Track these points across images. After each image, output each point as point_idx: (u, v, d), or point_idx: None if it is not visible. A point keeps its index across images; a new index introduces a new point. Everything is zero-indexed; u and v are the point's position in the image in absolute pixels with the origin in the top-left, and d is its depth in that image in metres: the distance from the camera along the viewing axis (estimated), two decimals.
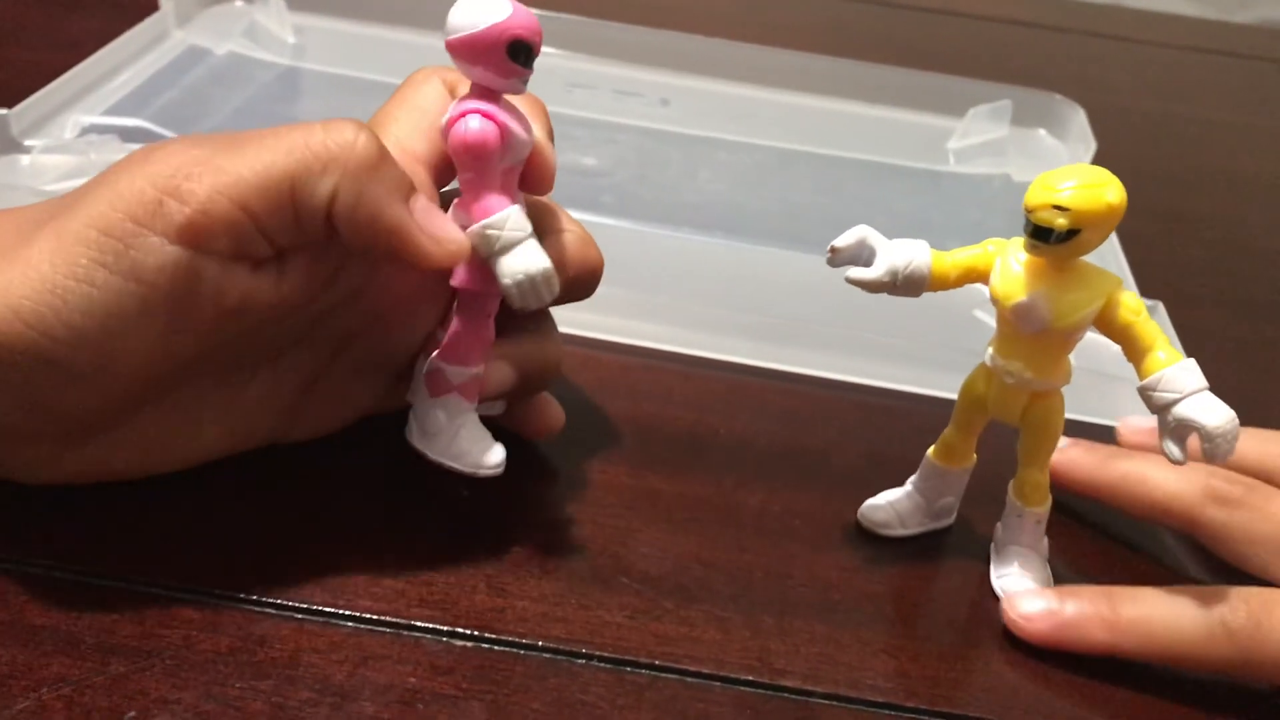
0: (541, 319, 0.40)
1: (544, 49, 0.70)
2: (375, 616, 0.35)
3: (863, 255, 0.36)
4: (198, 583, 0.35)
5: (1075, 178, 0.33)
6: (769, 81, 0.71)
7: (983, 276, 0.36)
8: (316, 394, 0.38)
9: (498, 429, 0.38)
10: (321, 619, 0.35)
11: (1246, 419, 0.43)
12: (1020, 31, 0.89)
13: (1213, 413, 0.34)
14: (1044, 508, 0.38)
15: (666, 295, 0.50)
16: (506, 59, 0.33)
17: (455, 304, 0.37)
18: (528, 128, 0.35)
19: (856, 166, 0.65)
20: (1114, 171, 0.34)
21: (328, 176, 0.33)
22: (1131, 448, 0.43)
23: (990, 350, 0.37)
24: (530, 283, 0.34)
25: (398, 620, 0.35)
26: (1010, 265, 0.35)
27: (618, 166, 0.62)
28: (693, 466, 0.43)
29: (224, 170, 0.32)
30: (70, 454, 0.35)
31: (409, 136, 0.37)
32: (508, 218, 0.34)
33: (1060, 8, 0.95)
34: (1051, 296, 0.34)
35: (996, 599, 0.39)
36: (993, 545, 0.40)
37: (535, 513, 0.40)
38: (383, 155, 0.33)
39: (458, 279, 0.36)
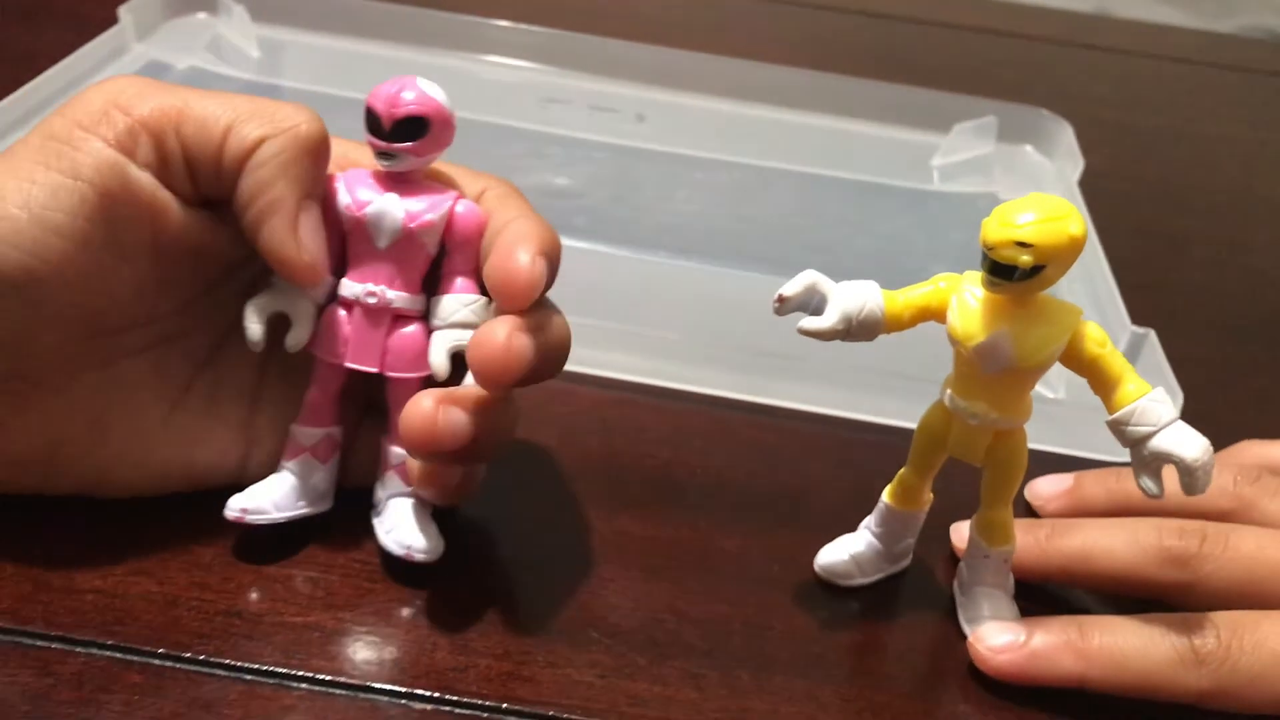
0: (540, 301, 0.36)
1: (518, 63, 0.70)
2: (330, 678, 0.33)
3: (812, 302, 0.35)
4: (140, 643, 0.33)
5: (1034, 210, 0.31)
6: (748, 96, 0.69)
7: (937, 315, 0.34)
8: (262, 413, 0.38)
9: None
10: (274, 681, 0.33)
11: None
12: (1004, 43, 0.87)
13: (1190, 445, 0.32)
14: (1009, 547, 0.37)
15: (641, 324, 0.48)
16: (367, 132, 0.35)
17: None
18: (414, 207, 0.35)
19: (838, 185, 0.63)
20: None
21: (265, 126, 0.34)
22: (1053, 515, 0.42)
23: (949, 391, 0.35)
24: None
25: (352, 681, 0.33)
26: (967, 302, 0.33)
27: (591, 186, 0.60)
28: (667, 507, 0.41)
29: (174, 99, 0.34)
30: (19, 422, 0.34)
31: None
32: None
33: (1044, 18, 0.94)
34: (1015, 335, 0.33)
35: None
36: (956, 585, 0.39)
37: (500, 561, 0.38)
38: (319, 149, 0.35)
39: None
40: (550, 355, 0.34)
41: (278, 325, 0.36)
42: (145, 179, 0.33)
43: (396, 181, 0.36)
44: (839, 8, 0.88)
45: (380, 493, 0.37)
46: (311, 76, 0.65)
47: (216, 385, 0.37)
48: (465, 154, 0.38)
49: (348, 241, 0.36)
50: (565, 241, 0.52)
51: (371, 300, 0.36)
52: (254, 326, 0.35)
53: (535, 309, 0.34)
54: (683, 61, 0.69)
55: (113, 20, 0.63)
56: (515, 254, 0.34)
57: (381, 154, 0.35)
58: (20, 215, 0.31)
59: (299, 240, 0.34)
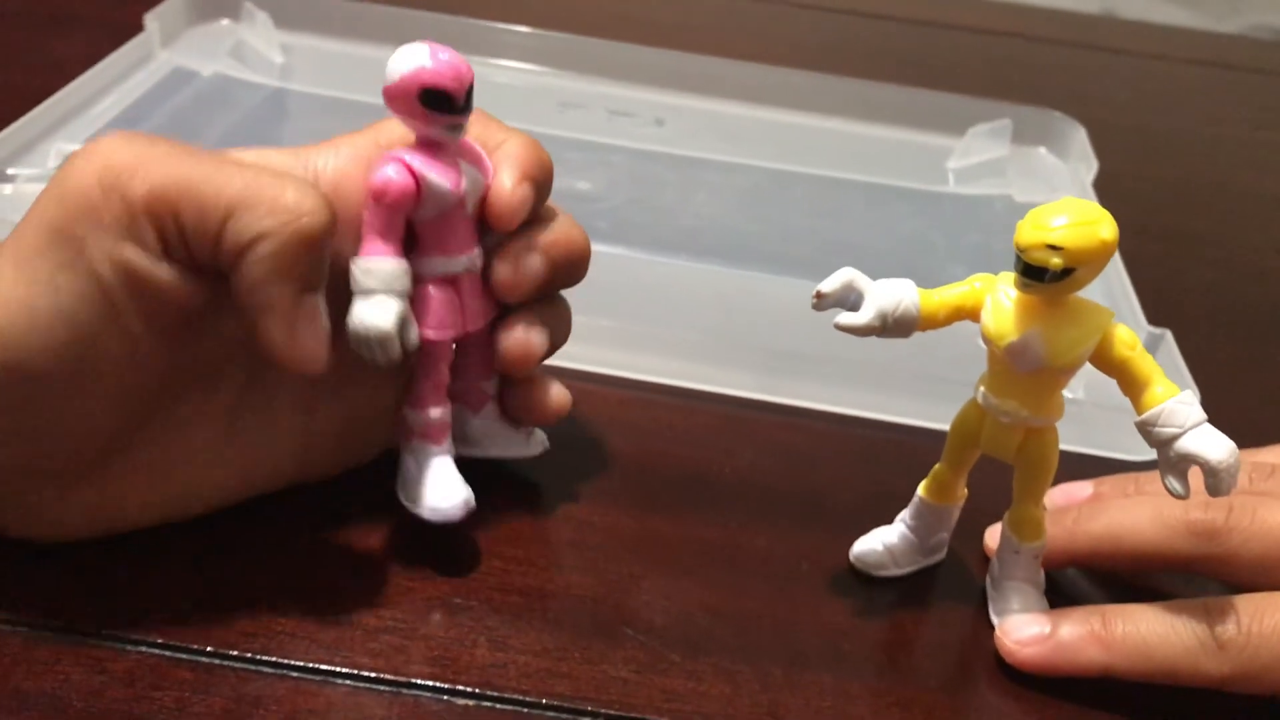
0: (553, 210, 0.39)
1: (535, 67, 0.71)
2: (373, 674, 0.34)
3: (849, 299, 0.35)
4: (190, 642, 0.34)
5: (1067, 214, 0.32)
6: (765, 100, 0.70)
7: (972, 314, 0.35)
8: (318, 416, 0.38)
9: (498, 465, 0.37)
10: (318, 678, 0.34)
11: (1254, 444, 0.43)
12: (1016, 45, 0.88)
13: (1216, 446, 0.33)
14: (1040, 542, 0.38)
15: (664, 326, 0.49)
16: (422, 107, 0.34)
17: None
18: (476, 174, 0.36)
19: (856, 188, 0.64)
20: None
21: (267, 219, 0.32)
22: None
23: (982, 389, 0.36)
24: (365, 338, 0.34)
25: (396, 678, 0.34)
26: (1001, 302, 0.34)
27: (611, 190, 0.61)
28: (696, 507, 0.42)
29: (168, 174, 0.32)
30: (73, 497, 0.34)
31: (361, 147, 0.37)
32: (376, 267, 0.34)
33: (1054, 20, 0.95)
34: (1046, 335, 0.34)
35: None
36: (989, 580, 0.39)
37: (535, 560, 0.39)
38: (322, 239, 0.33)
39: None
40: (559, 259, 0.38)
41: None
42: (156, 264, 0.32)
43: (443, 150, 0.35)
44: (854, 12, 0.89)
45: (410, 461, 0.37)
46: (333, 82, 0.66)
47: (269, 398, 0.37)
48: None
49: (435, 220, 0.35)
50: None
51: (476, 266, 0.37)
52: (395, 348, 0.34)
53: (534, 227, 0.38)
54: (700, 66, 0.70)
55: (138, 27, 0.64)
56: (500, 181, 0.36)
57: (453, 127, 0.35)
58: (59, 331, 0.31)
59: (295, 340, 0.33)
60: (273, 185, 0.32)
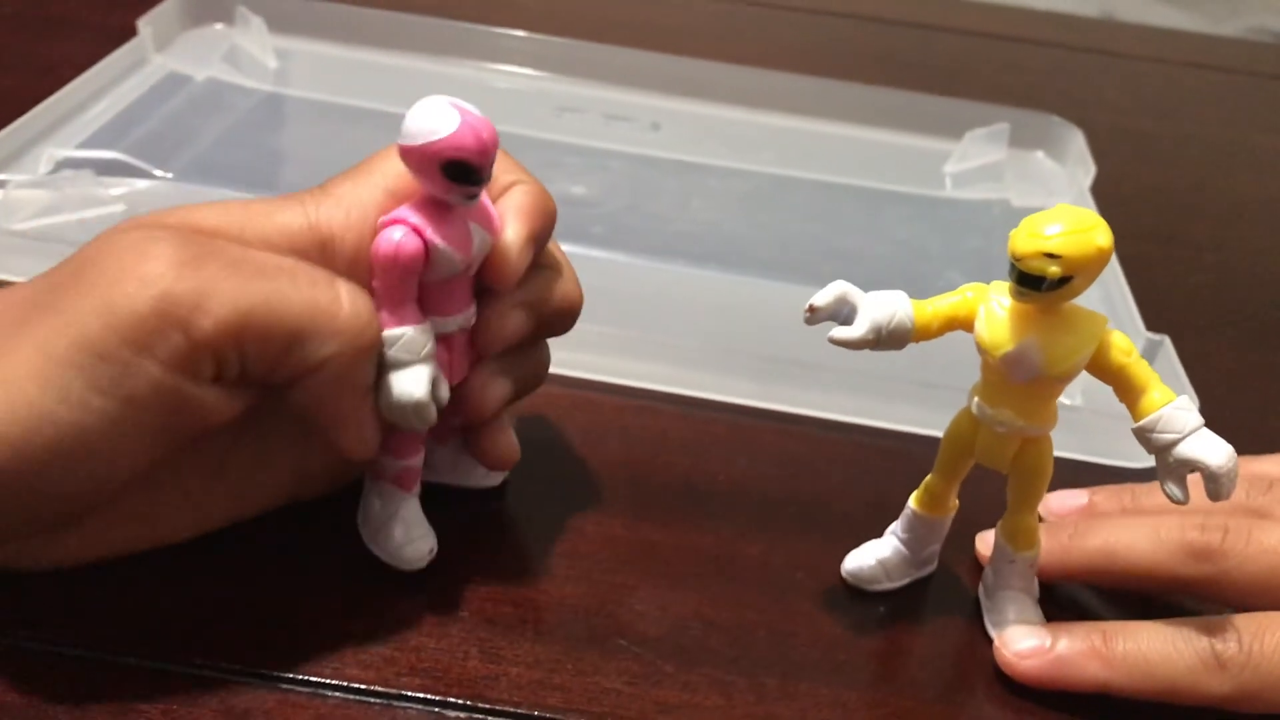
0: (552, 257, 0.38)
1: (532, 72, 0.70)
2: (364, 686, 0.34)
3: (842, 312, 0.35)
4: (176, 653, 0.34)
5: (1062, 222, 0.32)
6: (762, 104, 0.69)
7: (965, 324, 0.35)
8: (313, 447, 0.37)
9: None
10: (308, 689, 0.34)
11: (1253, 451, 0.43)
12: (1014, 48, 0.88)
13: (1216, 451, 0.33)
14: (1035, 552, 0.37)
15: (660, 332, 0.49)
16: (442, 177, 0.32)
17: None
18: (484, 235, 0.34)
19: (852, 193, 0.64)
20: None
21: (331, 343, 0.32)
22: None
23: (976, 399, 0.36)
24: (400, 409, 0.34)
25: (387, 690, 0.34)
26: (995, 312, 0.34)
27: (608, 195, 0.60)
28: (691, 516, 0.42)
29: (234, 306, 0.30)
30: (62, 541, 0.34)
31: (369, 202, 0.34)
32: (399, 338, 0.33)
33: (1053, 23, 0.94)
34: (1042, 344, 0.33)
35: None
36: (982, 590, 0.39)
37: (528, 570, 0.39)
38: (375, 341, 0.33)
39: None
40: (548, 317, 0.37)
41: None
42: (204, 390, 0.31)
43: (452, 211, 0.33)
44: (851, 15, 0.88)
45: (376, 502, 0.37)
46: (327, 87, 0.66)
47: (262, 439, 0.36)
48: None
49: (437, 283, 0.34)
50: (582, 250, 0.54)
51: (470, 324, 0.35)
52: (432, 414, 0.34)
53: (530, 281, 0.36)
54: (696, 70, 0.69)
55: (132, 32, 0.64)
56: (505, 243, 0.35)
57: (470, 196, 0.33)
58: (79, 451, 0.30)
59: (361, 437, 0.34)
60: (329, 301, 0.32)
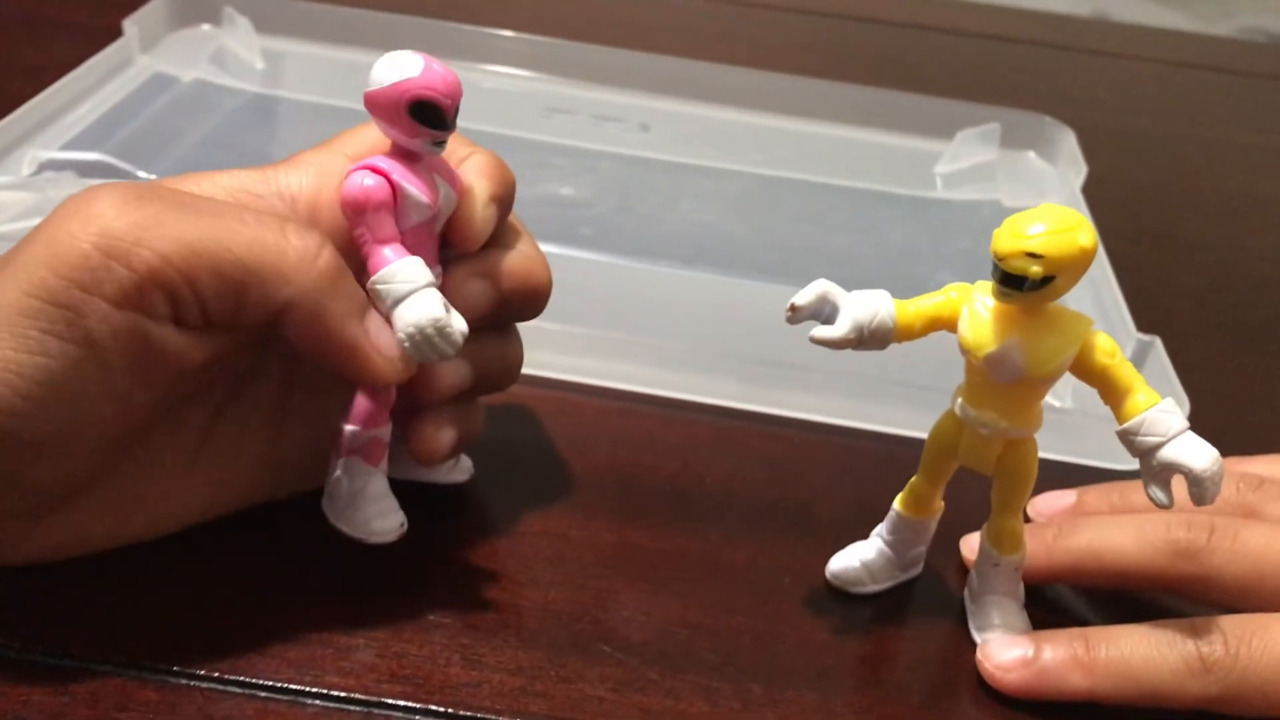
0: (517, 235, 0.38)
1: (521, 72, 0.70)
2: (344, 694, 0.34)
3: (824, 311, 0.35)
4: (156, 661, 0.33)
5: (1044, 221, 0.31)
6: (752, 105, 0.69)
7: (948, 325, 0.35)
8: (289, 435, 0.37)
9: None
10: (288, 697, 0.33)
11: (1242, 453, 0.42)
12: (1005, 47, 0.87)
13: (1199, 455, 0.33)
14: (1020, 555, 0.37)
15: (647, 334, 0.48)
16: (409, 119, 0.32)
17: None
18: (448, 189, 0.34)
19: (842, 193, 0.63)
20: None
21: (287, 286, 0.32)
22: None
23: (960, 401, 0.35)
24: (421, 335, 0.33)
25: (368, 698, 0.34)
26: (978, 312, 0.34)
27: (596, 196, 0.60)
28: (676, 519, 0.41)
29: (177, 239, 0.31)
30: (40, 528, 0.33)
31: (333, 167, 0.35)
32: (397, 270, 0.33)
33: (1045, 23, 0.94)
34: (1025, 344, 0.33)
35: None
36: (967, 594, 0.39)
37: (511, 574, 0.38)
38: (342, 270, 0.33)
39: None
40: (511, 291, 0.37)
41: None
42: (163, 330, 0.31)
43: (418, 161, 0.34)
44: (841, 14, 0.88)
45: (343, 478, 0.36)
46: (314, 87, 0.65)
47: (240, 423, 0.36)
48: None
49: (404, 235, 0.34)
50: (571, 252, 0.53)
51: (437, 284, 0.34)
52: (455, 332, 0.33)
53: (491, 251, 0.36)
54: (686, 70, 0.69)
55: (117, 33, 0.63)
56: (471, 200, 0.35)
57: (438, 142, 0.33)
58: (45, 396, 0.30)
59: (387, 359, 0.33)
60: (276, 239, 0.32)
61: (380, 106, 0.33)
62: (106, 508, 0.34)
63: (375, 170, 0.33)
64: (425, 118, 0.33)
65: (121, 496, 0.34)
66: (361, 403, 0.35)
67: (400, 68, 0.32)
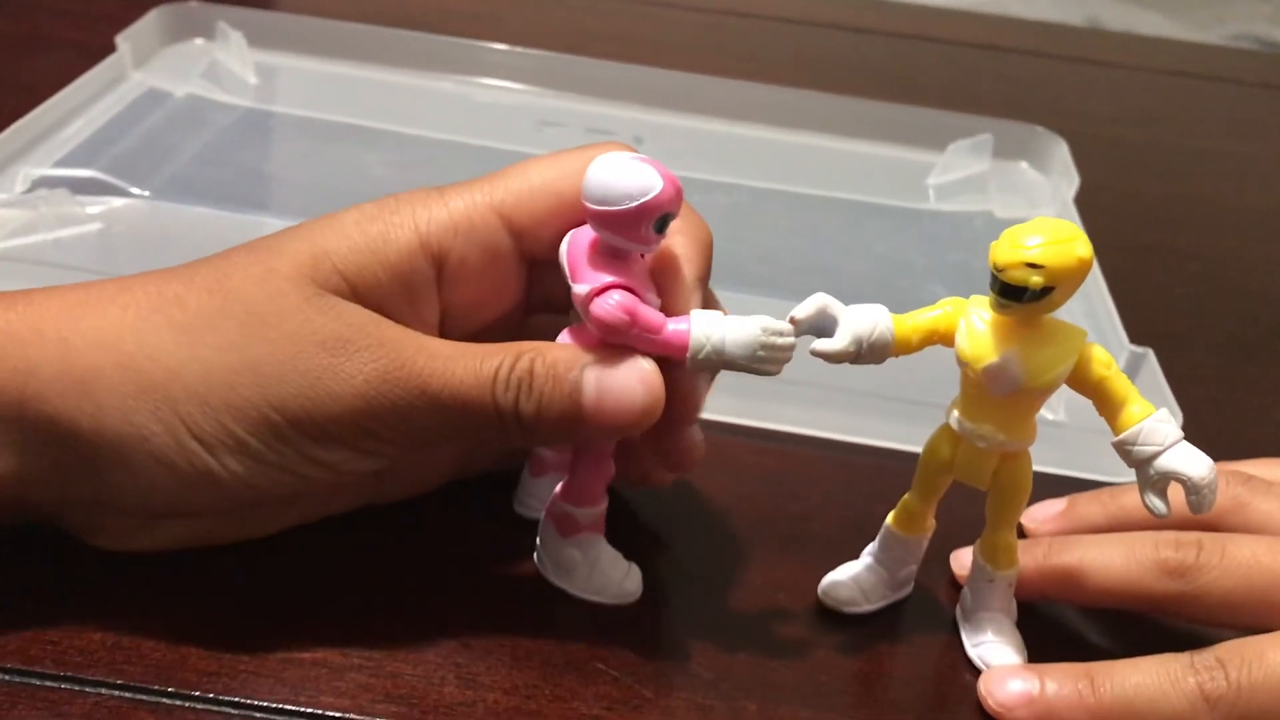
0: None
1: (513, 85, 0.70)
2: (339, 714, 0.33)
3: (823, 325, 0.35)
4: (150, 682, 0.33)
5: (1042, 233, 0.32)
6: (744, 116, 0.69)
7: (945, 339, 0.35)
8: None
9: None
10: (283, 718, 0.33)
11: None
12: (998, 57, 0.88)
13: (1196, 464, 0.33)
14: (1014, 570, 0.37)
15: None
16: (651, 232, 0.32)
17: (574, 450, 0.37)
18: (653, 299, 0.34)
19: (834, 206, 0.64)
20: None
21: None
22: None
23: (955, 414, 0.35)
24: (765, 349, 0.33)
25: (362, 717, 0.33)
26: (975, 325, 0.34)
27: None
28: (670, 536, 0.41)
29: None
30: (161, 527, 0.35)
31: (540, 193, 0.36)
32: (698, 325, 0.33)
33: (1037, 32, 0.94)
34: (1023, 356, 0.33)
35: (978, 671, 0.37)
36: (959, 611, 0.39)
37: (505, 593, 0.38)
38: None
39: None
40: None
41: None
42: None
43: (633, 264, 0.34)
44: (833, 26, 0.88)
45: (575, 554, 0.38)
46: (308, 102, 0.65)
47: None
48: (459, 178, 0.37)
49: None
50: None
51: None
52: (789, 336, 0.34)
53: None
54: (677, 82, 0.69)
55: (110, 48, 0.63)
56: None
57: (658, 243, 0.34)
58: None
59: (647, 391, 0.34)
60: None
61: (621, 224, 0.32)
62: (228, 521, 0.36)
63: (625, 289, 0.33)
64: (663, 228, 0.32)
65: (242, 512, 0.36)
66: (586, 483, 0.37)
67: (638, 181, 0.31)
